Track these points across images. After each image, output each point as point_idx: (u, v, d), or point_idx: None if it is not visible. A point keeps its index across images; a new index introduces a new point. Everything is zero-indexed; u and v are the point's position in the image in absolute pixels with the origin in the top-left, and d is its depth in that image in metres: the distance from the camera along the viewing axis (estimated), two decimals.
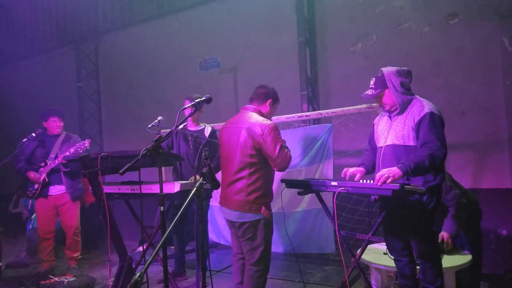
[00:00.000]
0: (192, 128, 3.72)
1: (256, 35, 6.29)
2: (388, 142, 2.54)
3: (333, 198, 2.38)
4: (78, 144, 3.89)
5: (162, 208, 2.15)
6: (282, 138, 2.70)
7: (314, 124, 4.67)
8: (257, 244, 2.61)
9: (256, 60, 6.29)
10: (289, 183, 2.84)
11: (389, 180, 2.20)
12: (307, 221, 4.37)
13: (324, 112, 4.19)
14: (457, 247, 3.11)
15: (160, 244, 1.67)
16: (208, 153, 3.62)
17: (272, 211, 4.58)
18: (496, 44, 4.67)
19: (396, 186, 2.11)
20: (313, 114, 4.27)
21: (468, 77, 4.87)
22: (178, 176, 3.80)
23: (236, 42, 6.53)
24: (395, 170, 2.24)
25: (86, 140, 3.95)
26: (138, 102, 7.62)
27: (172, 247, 4.89)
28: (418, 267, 2.61)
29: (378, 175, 2.25)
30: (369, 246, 3.68)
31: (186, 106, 2.42)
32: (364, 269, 3.60)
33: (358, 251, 2.61)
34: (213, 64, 6.89)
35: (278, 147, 2.59)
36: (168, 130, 3.60)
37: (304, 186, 2.74)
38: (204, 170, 2.16)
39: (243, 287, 2.69)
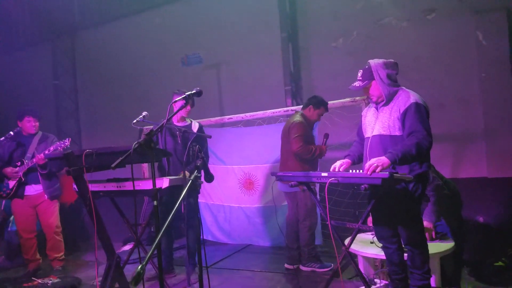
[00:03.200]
0: (178, 124, 3.69)
1: (239, 31, 6.28)
2: (375, 133, 2.60)
3: (324, 189, 2.40)
4: (58, 143, 3.79)
5: (155, 203, 2.12)
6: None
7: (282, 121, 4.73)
8: None
9: (240, 56, 6.29)
10: (279, 176, 2.85)
11: (378, 169, 2.26)
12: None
13: None
14: (438, 235, 3.21)
15: (159, 235, 1.66)
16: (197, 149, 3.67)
17: (261, 205, 4.69)
18: (471, 39, 4.84)
19: (386, 174, 2.16)
20: (298, 108, 4.30)
21: (447, 71, 5.02)
22: (164, 174, 3.76)
23: (219, 38, 6.50)
24: (383, 159, 2.30)
25: (67, 139, 3.84)
26: (118, 100, 7.47)
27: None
28: (405, 253, 2.69)
29: (367, 164, 2.31)
30: (357, 236, 3.76)
31: (177, 99, 2.39)
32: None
33: (347, 240, 2.67)
34: (195, 60, 6.84)
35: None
36: (154, 125, 3.61)
37: (295, 179, 2.76)
38: (198, 162, 2.15)
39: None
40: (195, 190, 3.53)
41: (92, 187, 3.13)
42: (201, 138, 3.64)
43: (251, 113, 4.56)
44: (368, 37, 5.54)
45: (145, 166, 5.47)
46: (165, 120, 2.29)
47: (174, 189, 3.06)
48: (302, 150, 3.62)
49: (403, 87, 2.63)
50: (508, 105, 4.61)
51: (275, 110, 4.47)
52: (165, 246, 3.73)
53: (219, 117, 4.90)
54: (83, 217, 6.93)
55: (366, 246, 3.24)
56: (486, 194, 4.66)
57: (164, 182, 2.96)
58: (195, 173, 2.06)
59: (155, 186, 2.14)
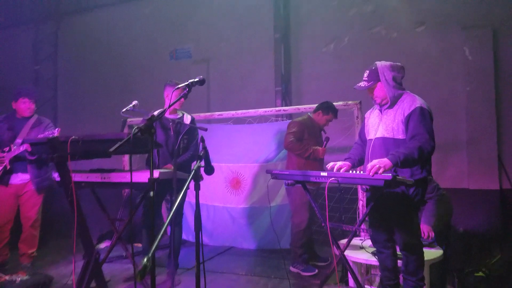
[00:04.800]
0: (170, 116, 3.56)
1: (231, 28, 6.22)
2: (378, 135, 2.59)
3: (325, 190, 2.36)
4: (47, 132, 3.54)
5: (152, 194, 2.01)
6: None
7: (283, 120, 4.69)
8: None
9: (230, 54, 6.22)
10: (275, 175, 2.78)
11: (381, 170, 2.23)
12: (282, 215, 4.37)
13: (302, 107, 4.22)
14: (426, 242, 3.23)
15: (163, 229, 1.56)
16: (187, 142, 3.55)
17: (247, 205, 4.60)
18: (458, 53, 4.98)
19: (389, 176, 2.14)
20: (290, 109, 4.28)
21: (433, 82, 5.14)
22: (153, 166, 3.62)
23: (211, 34, 6.42)
24: (385, 161, 2.28)
25: (56, 129, 3.59)
26: (100, 90, 7.23)
27: (139, 244, 4.66)
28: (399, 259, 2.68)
29: (369, 165, 2.28)
30: (346, 240, 3.74)
31: (179, 86, 2.28)
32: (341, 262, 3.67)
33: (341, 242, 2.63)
34: (184, 55, 6.72)
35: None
36: (145, 114, 3.47)
37: (291, 177, 2.70)
38: (201, 152, 2.06)
39: None
40: (197, 180, 3.42)
41: (75, 177, 2.96)
42: (193, 131, 3.53)
43: (242, 111, 4.49)
44: (358, 44, 5.61)
45: (126, 158, 5.28)
46: (168, 107, 2.18)
47: (165, 182, 2.95)
48: (292, 145, 3.66)
49: (408, 91, 2.63)
50: (491, 118, 4.75)
51: (266, 109, 4.42)
52: (146, 245, 3.58)
53: (208, 113, 4.80)
54: (53, 209, 6.63)
55: (356, 251, 3.22)
56: (466, 205, 4.77)
57: (153, 175, 2.83)
58: (198, 163, 1.96)
59: (152, 176, 2.02)
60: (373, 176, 2.23)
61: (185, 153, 3.50)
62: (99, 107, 7.06)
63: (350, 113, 4.13)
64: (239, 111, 4.52)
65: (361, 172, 2.39)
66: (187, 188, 3.48)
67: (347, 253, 3.19)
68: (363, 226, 3.06)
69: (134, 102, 3.37)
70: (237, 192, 4.64)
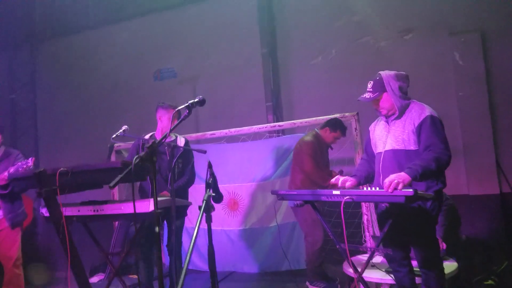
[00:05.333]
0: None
1: (217, 45, 6.10)
2: (388, 147, 2.47)
3: (340, 208, 2.20)
4: (19, 163, 3.29)
5: (157, 229, 1.82)
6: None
7: (278, 135, 4.55)
8: None
9: (217, 71, 6.08)
10: (282, 195, 2.62)
11: (400, 186, 2.10)
12: (283, 236, 4.17)
13: (297, 122, 4.09)
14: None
15: (187, 257, 1.36)
16: (182, 166, 3.35)
17: (246, 227, 4.39)
18: (448, 59, 4.97)
19: (410, 192, 2.00)
20: (286, 124, 4.15)
21: (425, 89, 5.09)
22: (144, 195, 3.41)
23: (196, 53, 6.29)
24: (404, 176, 2.15)
25: (30, 159, 3.35)
26: (82, 116, 6.95)
27: (131, 275, 4.39)
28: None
29: (387, 181, 2.14)
30: (354, 259, 3.58)
31: (181, 107, 2.12)
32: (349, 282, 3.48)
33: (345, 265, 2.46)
34: (169, 75, 6.55)
35: None
36: (137, 139, 3.27)
37: (300, 197, 2.54)
38: (210, 179, 1.88)
39: None
40: (181, 214, 3.22)
41: (66, 211, 2.73)
42: (187, 154, 3.34)
43: (236, 129, 4.33)
44: (346, 55, 5.56)
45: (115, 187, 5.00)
46: (169, 131, 2.01)
47: (164, 212, 2.74)
48: (314, 172, 3.55)
49: (414, 100, 2.54)
50: (486, 122, 4.72)
51: (261, 125, 4.28)
52: (145, 277, 3.32)
53: (200, 133, 4.61)
54: (37, 242, 6.26)
55: (368, 269, 3.05)
56: (467, 211, 4.68)
57: (151, 205, 2.62)
58: (208, 192, 1.78)
59: (157, 208, 1.83)
60: (392, 192, 2.09)
61: (180, 178, 3.30)
62: (83, 134, 6.78)
63: (347, 125, 4.01)
64: (232, 129, 4.36)
65: (377, 188, 2.24)
66: (185, 214, 3.30)
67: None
68: (369, 244, 2.92)
69: (124, 127, 3.18)
70: (234, 213, 4.43)
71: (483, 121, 4.75)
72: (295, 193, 2.58)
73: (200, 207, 1.89)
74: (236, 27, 5.96)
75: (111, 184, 1.76)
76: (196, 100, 2.12)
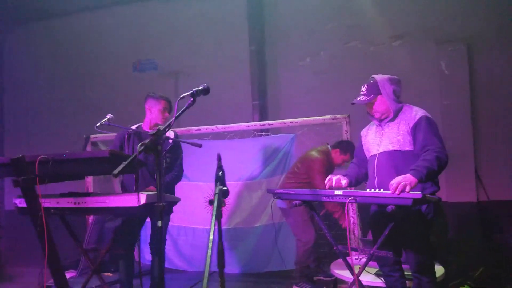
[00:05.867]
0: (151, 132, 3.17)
1: (203, 39, 5.94)
2: (382, 150, 2.45)
3: (344, 210, 2.13)
4: None
5: (160, 224, 1.68)
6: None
7: (264, 134, 4.45)
8: None
9: (202, 66, 5.91)
10: (278, 194, 2.52)
11: (407, 188, 2.06)
12: (268, 236, 4.08)
13: (288, 121, 4.01)
14: None
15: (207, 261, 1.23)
16: (170, 160, 3.18)
17: (230, 226, 4.26)
18: (434, 67, 5.05)
19: (418, 194, 1.96)
20: (276, 123, 4.06)
21: (410, 96, 5.12)
22: (126, 189, 3.21)
23: (179, 46, 6.09)
24: (410, 178, 2.11)
25: None
26: (55, 106, 6.57)
27: (108, 274, 4.15)
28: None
29: (394, 183, 2.09)
30: (339, 261, 3.54)
31: (184, 95, 1.98)
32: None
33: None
34: (149, 66, 6.31)
35: None
36: (122, 129, 3.06)
37: (298, 197, 2.45)
38: (220, 173, 1.76)
39: None
40: (167, 211, 3.05)
41: (44, 203, 2.50)
42: (177, 148, 3.18)
43: (223, 125, 4.20)
44: (335, 58, 5.55)
45: (89, 180, 4.73)
46: (174, 118, 1.87)
47: (152, 207, 2.57)
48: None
49: (407, 104, 2.54)
50: (468, 132, 4.83)
51: (250, 123, 4.17)
52: (124, 275, 3.11)
53: (185, 128, 4.43)
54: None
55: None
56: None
57: (141, 199, 2.45)
58: (219, 186, 1.65)
59: (161, 201, 1.69)
60: (399, 194, 2.04)
61: (168, 173, 3.13)
62: (54, 126, 6.40)
63: (338, 128, 3.98)
64: (220, 126, 4.22)
65: (381, 190, 2.19)
66: (171, 212, 3.13)
67: (348, 275, 2.99)
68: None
69: (109, 116, 2.99)
70: None
71: (465, 130, 4.85)
72: (294, 192, 2.49)
73: (211, 201, 1.76)
74: (225, 22, 5.82)
75: (115, 172, 1.61)
76: (200, 88, 2.01)
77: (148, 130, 3.14)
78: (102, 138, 4.51)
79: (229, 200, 4.26)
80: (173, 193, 3.21)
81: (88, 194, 2.45)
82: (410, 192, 2.04)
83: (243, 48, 5.62)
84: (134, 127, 3.17)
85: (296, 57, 5.69)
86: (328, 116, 3.94)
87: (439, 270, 2.98)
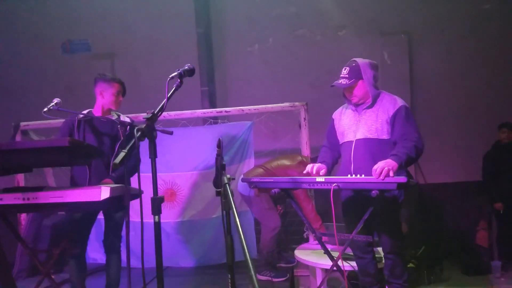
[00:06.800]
0: (105, 117, 2.80)
1: (144, 18, 5.50)
2: (359, 136, 2.44)
3: (330, 197, 2.08)
4: None
5: (157, 218, 1.49)
6: None
7: (228, 122, 4.27)
8: None
9: (143, 48, 5.50)
10: (255, 183, 2.40)
11: (391, 173, 2.08)
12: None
13: (246, 108, 3.88)
14: None
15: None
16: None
17: (184, 219, 4.03)
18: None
19: (403, 179, 2.00)
20: (233, 110, 3.90)
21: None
22: (76, 183, 2.83)
23: (115, 25, 5.58)
24: (391, 163, 2.14)
25: None
26: None
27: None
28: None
29: (377, 168, 2.10)
30: (302, 247, 3.55)
31: (172, 75, 1.76)
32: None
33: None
34: (81, 47, 5.70)
35: None
36: (72, 114, 2.67)
37: (276, 185, 2.36)
38: (224, 161, 1.59)
39: None
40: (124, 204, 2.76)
41: None
42: (133, 136, 2.86)
43: (176, 112, 3.92)
44: (283, 46, 5.52)
45: (49, 172, 4.14)
46: (166, 101, 1.66)
47: (117, 201, 2.29)
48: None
49: (383, 91, 2.57)
50: None
51: (205, 110, 3.98)
52: (75, 278, 2.76)
53: (132, 114, 4.04)
54: None
55: (322, 257, 3.03)
56: None
57: (103, 192, 2.17)
58: (225, 175, 1.48)
59: (157, 194, 1.49)
60: (383, 179, 2.05)
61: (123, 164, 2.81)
62: None
63: (296, 115, 3.95)
64: (172, 113, 3.94)
65: (362, 175, 2.18)
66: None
67: (315, 260, 3.02)
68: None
69: (56, 100, 2.60)
70: (171, 205, 4.03)
71: None
72: (272, 180, 2.39)
73: (218, 193, 1.57)
74: (170, 0, 5.45)
75: (117, 161, 1.38)
76: (186, 68, 1.82)
77: (100, 116, 2.79)
78: (35, 126, 3.96)
79: (183, 192, 4.03)
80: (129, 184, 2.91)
81: (40, 189, 2.08)
82: (396, 177, 2.06)
83: (189, 30, 5.33)
84: (85, 112, 2.79)
85: (244, 43, 5.55)
86: (286, 104, 3.89)
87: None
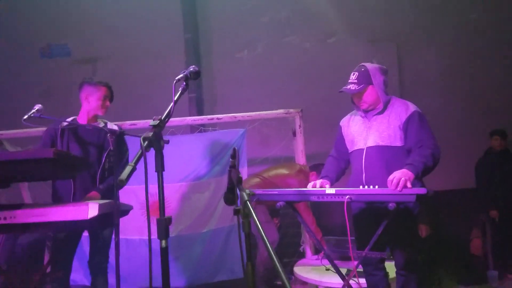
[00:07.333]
0: (90, 125, 2.56)
1: (131, 23, 5.27)
2: (370, 144, 2.32)
3: (344, 210, 1.92)
4: None
5: (164, 243, 1.29)
6: None
7: (219, 129, 4.07)
8: None
9: (128, 53, 5.27)
10: (258, 196, 2.22)
11: (408, 183, 1.94)
12: (217, 242, 3.71)
13: (239, 115, 3.70)
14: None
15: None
16: (114, 159, 2.62)
17: (173, 234, 3.77)
18: None
19: (423, 190, 1.86)
20: (226, 117, 3.71)
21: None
22: (60, 201, 2.57)
23: (98, 29, 5.33)
24: (408, 173, 2.01)
25: None
26: None
27: None
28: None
29: (394, 178, 1.96)
30: (301, 263, 3.38)
31: (178, 77, 1.58)
32: None
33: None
34: (61, 52, 5.42)
35: None
36: (56, 121, 2.41)
37: (281, 197, 2.18)
38: (239, 173, 1.40)
39: None
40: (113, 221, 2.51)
41: None
42: (122, 144, 2.65)
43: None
44: (272, 52, 5.42)
45: (24, 186, 3.79)
46: (173, 105, 1.46)
47: (105, 219, 2.06)
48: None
49: (394, 96, 2.46)
50: None
51: (196, 117, 3.78)
52: None
53: (118, 122, 3.79)
54: None
55: (325, 274, 2.87)
56: None
57: (91, 210, 1.93)
58: (245, 190, 1.28)
59: (164, 215, 1.29)
60: (401, 190, 1.91)
61: (110, 175, 2.58)
62: None
63: (290, 122, 3.81)
64: None
65: (376, 187, 2.04)
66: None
67: (316, 277, 2.87)
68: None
69: (37, 107, 2.36)
70: None
71: None
72: (276, 193, 2.21)
73: (237, 211, 1.35)
74: (157, 5, 5.24)
75: (124, 178, 1.17)
76: (191, 70, 1.65)
77: (86, 124, 2.55)
78: (9, 136, 3.64)
79: (171, 205, 3.77)
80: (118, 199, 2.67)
81: (19, 206, 1.83)
82: (413, 188, 1.93)
83: (177, 35, 5.16)
84: (69, 120, 2.55)
85: (232, 49, 5.41)
86: (281, 110, 3.74)
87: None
